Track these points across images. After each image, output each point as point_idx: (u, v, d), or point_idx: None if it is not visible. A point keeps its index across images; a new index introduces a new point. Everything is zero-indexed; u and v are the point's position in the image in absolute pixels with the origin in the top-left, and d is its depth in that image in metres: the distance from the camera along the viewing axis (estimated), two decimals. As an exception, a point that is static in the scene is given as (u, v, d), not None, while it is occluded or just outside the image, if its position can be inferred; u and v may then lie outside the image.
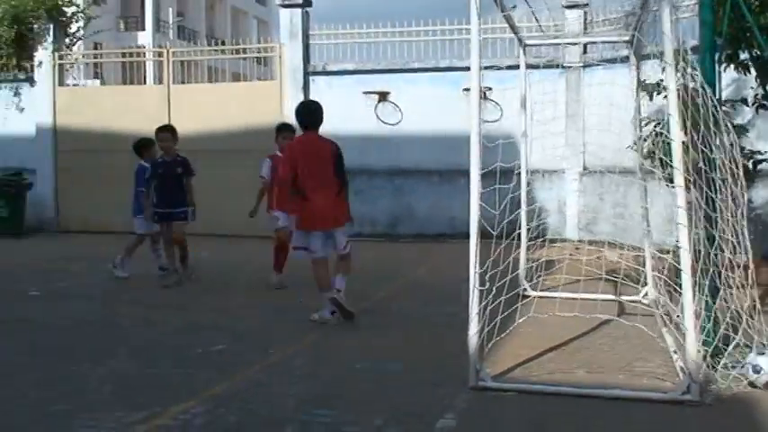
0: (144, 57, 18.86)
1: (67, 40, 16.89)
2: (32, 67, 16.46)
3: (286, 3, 14.92)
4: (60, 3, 16.46)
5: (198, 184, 13.69)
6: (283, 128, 9.46)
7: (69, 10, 16.83)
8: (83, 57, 17.57)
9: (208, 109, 15.16)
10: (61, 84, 16.26)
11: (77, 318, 7.84)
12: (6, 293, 9.17)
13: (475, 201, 5.29)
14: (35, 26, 16.30)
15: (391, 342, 6.81)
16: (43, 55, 16.16)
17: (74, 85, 16.82)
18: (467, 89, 13.90)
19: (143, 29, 46.46)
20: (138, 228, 10.19)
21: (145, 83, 19.19)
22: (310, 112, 7.66)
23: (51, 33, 16.20)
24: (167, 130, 9.87)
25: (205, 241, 13.59)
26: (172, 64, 15.69)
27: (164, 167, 9.71)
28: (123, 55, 17.44)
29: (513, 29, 8.21)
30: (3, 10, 16.54)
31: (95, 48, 18.00)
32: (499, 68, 9.12)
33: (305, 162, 7.38)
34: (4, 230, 15.18)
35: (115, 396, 5.25)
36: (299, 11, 14.89)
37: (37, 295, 9.04)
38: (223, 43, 17.58)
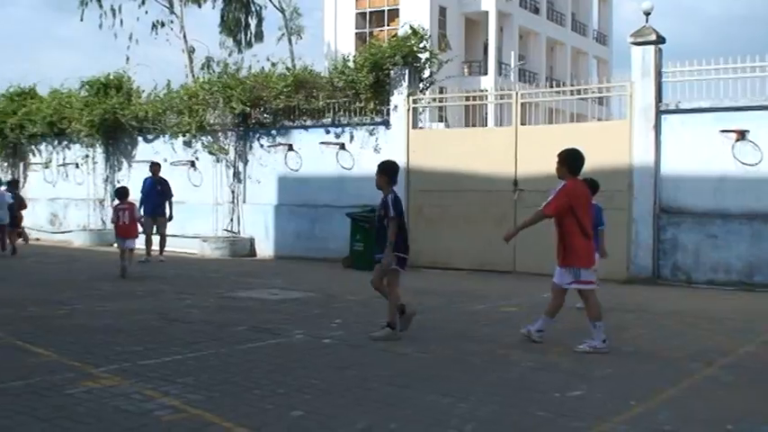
0: (495, 100, 19.37)
1: (420, 85, 17.67)
2: (388, 110, 17.43)
3: (638, 41, 14.53)
4: (415, 49, 17.29)
5: (545, 225, 13.70)
6: None
7: (423, 56, 17.62)
8: (435, 100, 18.30)
9: (554, 149, 15.05)
10: (414, 126, 17.06)
11: (431, 351, 8.02)
12: (366, 324, 9.64)
13: None
14: (392, 72, 17.25)
15: (756, 401, 6.26)
16: (399, 99, 17.06)
17: (420, 127, 17.53)
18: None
19: (485, 73, 47.81)
20: None
21: (485, 125, 19.62)
22: (582, 159, 8.40)
23: (406, 78, 17.08)
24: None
25: (548, 282, 13.53)
26: (519, 106, 15.88)
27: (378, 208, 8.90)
28: (474, 98, 17.91)
29: None
30: (364, 58, 17.71)
31: (441, 92, 18.69)
32: None
33: (585, 205, 8.24)
34: (359, 264, 16.14)
35: (478, 434, 5.26)
36: (651, 48, 14.44)
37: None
38: (564, 84, 17.51)
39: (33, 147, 25.23)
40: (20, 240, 19.69)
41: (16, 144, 25.32)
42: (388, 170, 8.75)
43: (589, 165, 14.07)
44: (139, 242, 15.85)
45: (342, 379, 6.69)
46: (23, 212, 20.16)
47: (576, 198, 8.12)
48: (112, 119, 22.07)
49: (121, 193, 15.27)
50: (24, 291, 12.42)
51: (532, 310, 10.72)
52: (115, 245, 16.26)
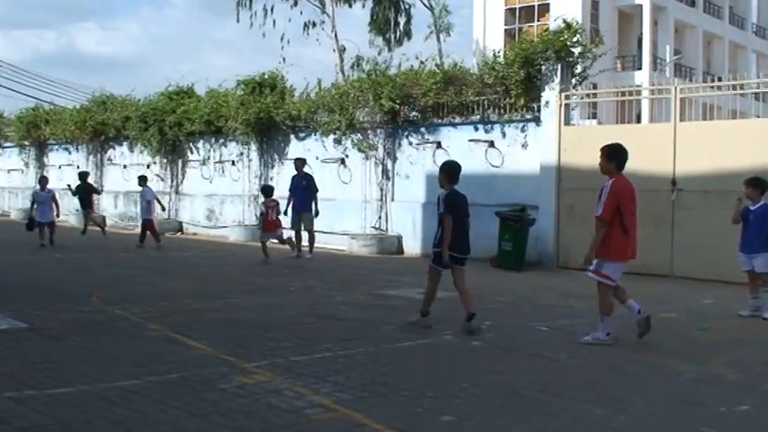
0: (651, 95, 18.69)
1: (573, 81, 17.21)
2: (539, 107, 17.05)
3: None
4: (568, 44, 16.84)
5: (705, 226, 13.18)
6: None
7: (576, 51, 17.14)
8: (588, 96, 17.78)
9: (717, 147, 14.42)
10: (566, 123, 16.63)
11: (584, 357, 7.73)
12: (516, 327, 9.44)
13: None
14: (543, 67, 16.86)
15: None
16: (550, 95, 16.66)
17: (571, 124, 17.06)
18: None
19: (639, 68, 46.41)
20: None
21: (639, 122, 18.92)
22: (626, 154, 8.45)
23: (558, 74, 16.65)
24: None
25: (708, 287, 12.95)
26: (679, 101, 15.21)
27: None
28: (630, 93, 17.26)
29: None
30: (515, 53, 17.39)
31: (593, 88, 18.15)
32: None
33: (629, 201, 8.29)
34: (507, 264, 15.90)
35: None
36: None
37: (545, 331, 9.15)
38: (720, 79, 16.71)
39: (191, 144, 26.14)
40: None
41: (175, 141, 26.30)
42: (447, 170, 9.32)
43: (754, 164, 13.49)
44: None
45: (493, 384, 6.53)
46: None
47: (623, 195, 8.24)
48: (267, 117, 22.58)
49: (269, 190, 17.17)
50: (181, 284, 12.83)
51: (692, 317, 10.31)
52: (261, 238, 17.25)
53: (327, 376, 6.57)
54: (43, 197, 19.47)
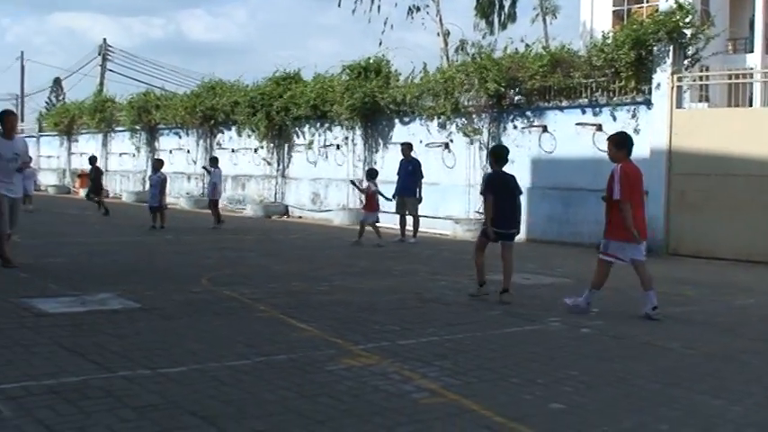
0: (765, 78, 18.00)
1: (686, 62, 16.69)
2: (649, 89, 16.61)
3: None
4: (681, 24, 16.33)
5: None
6: None
7: (688, 32, 16.62)
8: (702, 78, 17.23)
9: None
10: (678, 106, 16.15)
11: (698, 347, 7.50)
12: (625, 314, 9.21)
13: None
14: (655, 48, 16.41)
15: None
16: (662, 77, 16.20)
17: (682, 107, 16.54)
18: None
19: (751, 51, 44.74)
20: None
21: (749, 105, 18.29)
22: (632, 142, 9.04)
23: (670, 55, 16.18)
24: None
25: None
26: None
27: None
28: (744, 76, 16.68)
29: None
30: (625, 34, 16.96)
31: (707, 70, 17.56)
32: None
33: (634, 185, 8.75)
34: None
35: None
36: None
37: (656, 319, 8.89)
38: None
39: (297, 128, 26.49)
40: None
41: (281, 126, 26.68)
42: (495, 152, 10.43)
43: None
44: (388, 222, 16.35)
45: (603, 372, 6.38)
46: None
47: (634, 178, 8.76)
48: (371, 102, 22.68)
49: (375, 173, 17.63)
50: (288, 266, 13.01)
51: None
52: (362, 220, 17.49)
53: (434, 360, 6.54)
54: (154, 180, 19.85)
